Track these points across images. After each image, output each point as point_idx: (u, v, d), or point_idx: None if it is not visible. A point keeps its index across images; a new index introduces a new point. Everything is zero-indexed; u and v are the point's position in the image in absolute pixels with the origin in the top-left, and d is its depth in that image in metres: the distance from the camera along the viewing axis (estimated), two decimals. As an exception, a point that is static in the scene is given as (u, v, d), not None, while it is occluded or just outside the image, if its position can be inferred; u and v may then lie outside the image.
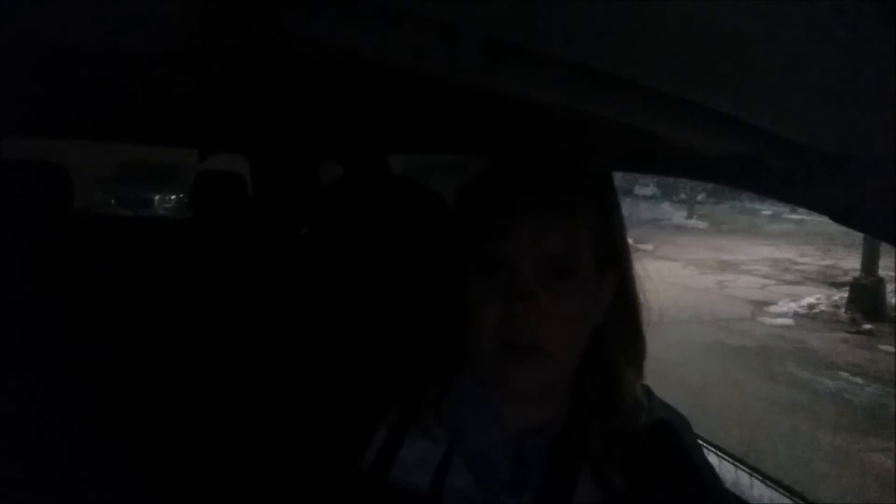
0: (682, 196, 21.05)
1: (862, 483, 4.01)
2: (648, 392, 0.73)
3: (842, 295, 9.10)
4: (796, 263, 12.73)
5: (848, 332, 7.91)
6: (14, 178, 1.69)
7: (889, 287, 8.79)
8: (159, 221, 4.11)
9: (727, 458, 1.46)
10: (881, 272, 8.92)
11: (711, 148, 0.58)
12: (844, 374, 6.18)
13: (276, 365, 1.21)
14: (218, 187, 2.19)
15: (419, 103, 1.12)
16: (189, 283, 1.71)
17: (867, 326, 8.02)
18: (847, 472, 4.15)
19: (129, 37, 0.64)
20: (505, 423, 0.67)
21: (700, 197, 20.75)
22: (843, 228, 0.56)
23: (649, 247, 13.11)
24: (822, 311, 8.75)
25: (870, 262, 8.96)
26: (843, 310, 8.66)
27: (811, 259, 13.25)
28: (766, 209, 19.87)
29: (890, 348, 7.08)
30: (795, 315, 8.60)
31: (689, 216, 19.64)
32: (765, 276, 11.29)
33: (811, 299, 9.13)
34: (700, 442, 0.78)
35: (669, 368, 5.26)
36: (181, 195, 11.17)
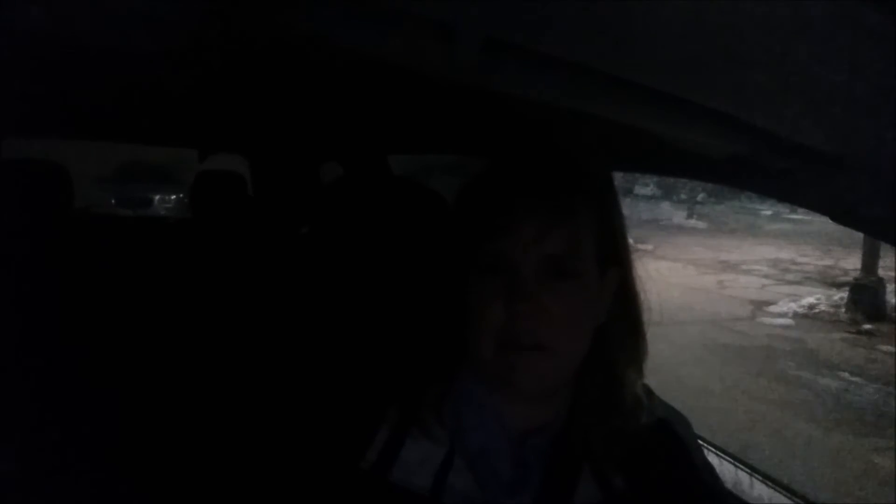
0: (682, 196, 21.04)
1: (862, 483, 4.01)
2: (649, 392, 0.73)
3: (842, 295, 9.10)
4: (796, 263, 12.72)
5: (848, 332, 7.90)
6: (14, 178, 1.69)
7: (889, 287, 8.78)
8: (159, 221, 4.11)
9: (727, 458, 1.46)
10: (881, 272, 8.91)
11: (711, 148, 0.58)
12: (844, 374, 6.18)
13: (277, 365, 1.21)
14: (218, 187, 2.20)
15: (419, 103, 1.12)
16: (189, 283, 1.71)
17: (867, 326, 8.02)
18: (847, 472, 4.15)
19: (129, 37, 0.64)
20: (506, 423, 0.67)
21: (700, 197, 20.75)
22: (843, 228, 0.56)
23: (649, 247, 13.10)
24: (822, 311, 8.75)
25: (870, 262, 8.95)
26: (843, 310, 8.66)
27: (811, 259, 13.25)
28: (766, 209, 19.86)
29: (890, 348, 7.08)
30: (795, 315, 8.60)
31: (689, 216, 19.63)
32: (765, 276, 11.29)
33: (811, 299, 9.13)
34: (700, 442, 0.78)
35: (669, 368, 5.25)
36: (181, 195, 11.15)
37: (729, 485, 1.34)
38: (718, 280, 10.81)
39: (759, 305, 9.05)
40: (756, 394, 5.47)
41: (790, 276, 11.41)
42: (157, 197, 12.07)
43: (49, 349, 1.40)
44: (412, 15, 0.40)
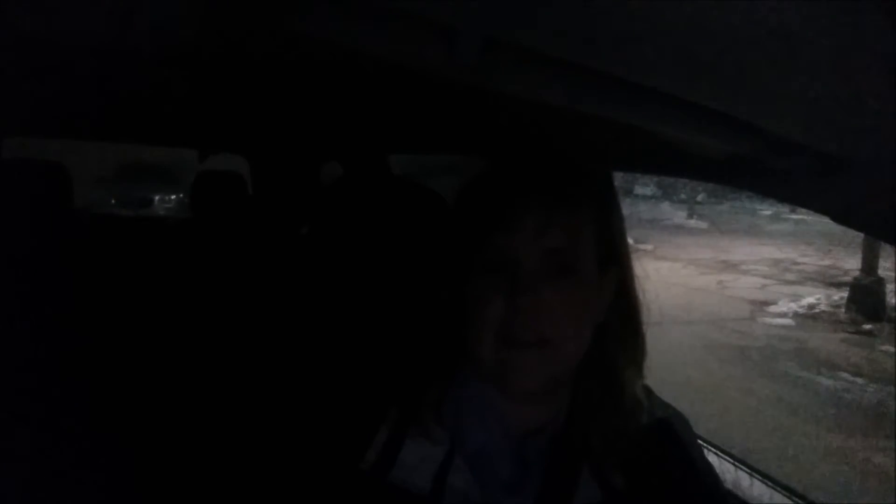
0: (682, 196, 21.04)
1: (862, 483, 4.01)
2: (648, 391, 0.73)
3: (842, 295, 9.09)
4: (796, 263, 12.72)
5: (848, 332, 7.90)
6: (14, 178, 1.69)
7: (889, 287, 8.78)
8: (159, 221, 4.11)
9: (727, 458, 1.46)
10: (881, 272, 8.91)
11: (711, 148, 0.58)
12: (844, 374, 6.18)
13: (276, 365, 1.21)
14: (218, 187, 2.20)
15: (419, 103, 1.12)
16: (189, 283, 1.71)
17: (867, 326, 8.02)
18: (847, 472, 4.15)
19: (129, 37, 0.64)
20: (506, 422, 0.67)
21: (700, 197, 20.74)
22: (843, 228, 0.56)
23: (649, 247, 13.10)
24: (822, 311, 8.75)
25: (870, 262, 8.95)
26: (843, 310, 8.66)
27: (811, 259, 13.24)
28: (766, 209, 19.86)
29: (890, 348, 7.08)
30: (795, 315, 8.60)
31: (689, 216, 19.63)
32: (765, 276, 11.29)
33: (811, 299, 9.13)
34: (700, 442, 0.78)
35: (669, 368, 5.25)
36: (181, 195, 11.16)
37: (729, 485, 1.34)
38: (718, 280, 10.81)
39: (760, 305, 9.05)
40: (756, 394, 5.47)
41: (790, 276, 11.41)
42: (157, 197, 12.07)
43: (49, 349, 1.40)
44: (412, 15, 0.40)
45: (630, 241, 0.73)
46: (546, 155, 0.69)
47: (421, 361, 0.72)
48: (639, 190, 21.22)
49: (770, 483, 1.43)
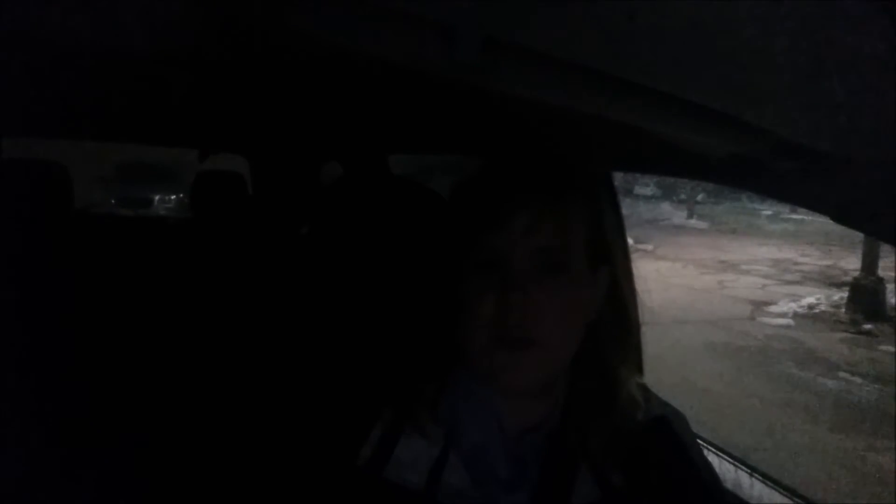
0: (682, 196, 21.06)
1: (862, 483, 4.01)
2: (646, 390, 0.73)
3: (842, 295, 9.10)
4: (796, 263, 12.73)
5: (848, 332, 7.91)
6: (14, 178, 1.69)
7: (889, 287, 8.78)
8: (159, 221, 4.11)
9: (727, 458, 1.46)
10: (881, 272, 8.92)
11: (711, 148, 0.58)
12: (844, 374, 6.18)
13: (274, 363, 1.21)
14: (218, 187, 2.20)
15: (419, 103, 1.12)
16: (189, 282, 1.71)
17: (867, 326, 8.02)
18: (847, 472, 4.15)
19: (129, 37, 0.64)
20: (502, 420, 0.67)
21: (700, 197, 20.76)
22: (843, 228, 0.56)
23: (649, 247, 13.11)
24: (822, 311, 8.75)
25: (870, 262, 8.95)
26: (843, 310, 8.66)
27: (811, 259, 13.25)
28: (766, 209, 19.88)
29: (890, 348, 7.08)
30: (795, 315, 8.60)
31: (689, 216, 19.64)
32: (765, 276, 11.29)
33: (811, 299, 9.14)
34: (700, 441, 0.78)
35: (669, 368, 5.26)
36: (181, 195, 11.16)
37: (729, 485, 1.34)
38: (718, 280, 10.82)
39: (759, 305, 9.05)
40: (756, 394, 5.47)
41: (790, 276, 11.42)
42: (157, 197, 12.08)
43: (49, 349, 1.40)
44: (412, 15, 0.40)
45: (630, 241, 0.74)
46: (542, 154, 0.70)
47: (416, 359, 0.72)
48: (639, 190, 21.24)
49: (770, 483, 1.43)
